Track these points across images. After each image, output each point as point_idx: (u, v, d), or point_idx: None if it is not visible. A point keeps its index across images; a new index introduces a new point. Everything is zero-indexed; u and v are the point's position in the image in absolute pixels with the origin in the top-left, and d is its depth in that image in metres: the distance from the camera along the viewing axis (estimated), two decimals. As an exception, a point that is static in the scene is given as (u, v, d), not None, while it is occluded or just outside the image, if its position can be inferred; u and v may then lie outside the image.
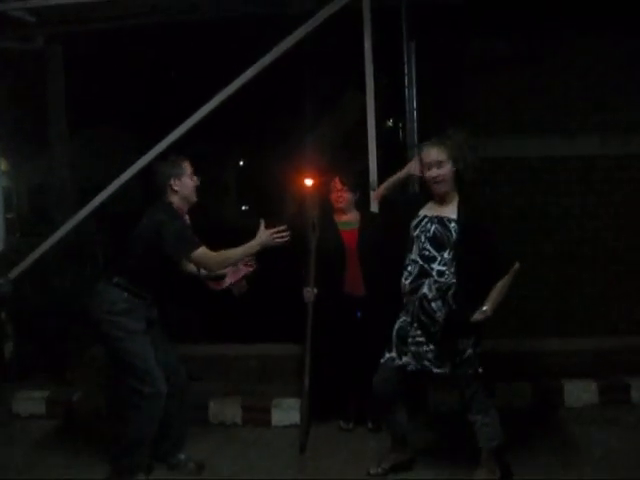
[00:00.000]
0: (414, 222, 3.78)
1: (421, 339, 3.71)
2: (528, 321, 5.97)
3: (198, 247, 3.78)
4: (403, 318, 3.82)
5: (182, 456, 4.17)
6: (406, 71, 5.48)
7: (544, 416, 4.79)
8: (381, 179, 4.96)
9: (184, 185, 3.96)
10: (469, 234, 3.63)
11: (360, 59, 5.11)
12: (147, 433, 3.87)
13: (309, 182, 4.73)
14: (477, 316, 3.63)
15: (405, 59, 5.47)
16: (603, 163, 5.99)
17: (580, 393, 4.93)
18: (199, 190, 4.07)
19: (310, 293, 4.54)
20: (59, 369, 5.59)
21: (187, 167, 4.00)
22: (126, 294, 3.84)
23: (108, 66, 6.41)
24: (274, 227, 3.83)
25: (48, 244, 5.42)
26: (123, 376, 3.86)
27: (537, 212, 6.05)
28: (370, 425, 4.69)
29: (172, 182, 3.93)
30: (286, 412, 4.85)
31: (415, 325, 3.73)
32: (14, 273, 5.43)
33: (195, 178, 4.02)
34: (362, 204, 4.83)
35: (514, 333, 5.72)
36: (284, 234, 3.83)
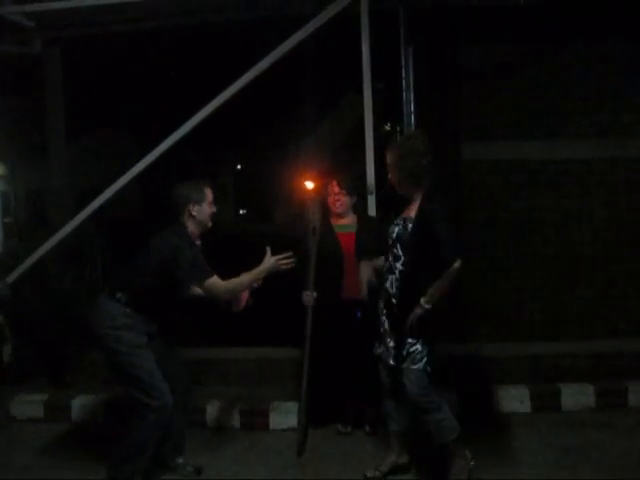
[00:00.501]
0: (389, 229, 3.94)
1: (386, 327, 3.85)
2: (526, 324, 5.96)
3: (211, 276, 3.82)
4: (379, 303, 3.95)
5: (181, 459, 4.19)
6: (404, 75, 5.49)
7: (541, 419, 4.79)
8: (378, 182, 4.99)
9: (202, 211, 3.99)
10: (420, 232, 3.72)
11: (359, 63, 5.12)
12: (149, 443, 3.87)
13: (309, 185, 4.73)
14: (416, 310, 3.66)
15: (403, 63, 5.49)
16: (600, 165, 5.99)
17: (577, 396, 4.94)
18: (214, 217, 4.08)
19: (310, 297, 4.54)
20: (58, 373, 5.59)
21: (208, 194, 4.02)
22: (128, 310, 3.84)
23: (107, 70, 6.41)
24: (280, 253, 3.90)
25: (46, 248, 5.41)
26: (129, 389, 3.85)
27: (536, 214, 6.05)
28: (367, 429, 4.70)
29: (191, 207, 3.95)
30: (284, 416, 4.86)
31: (384, 312, 3.88)
32: (12, 277, 5.43)
33: (213, 206, 4.04)
34: (359, 207, 4.84)
35: (513, 336, 5.72)
36: (290, 260, 3.90)
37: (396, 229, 3.85)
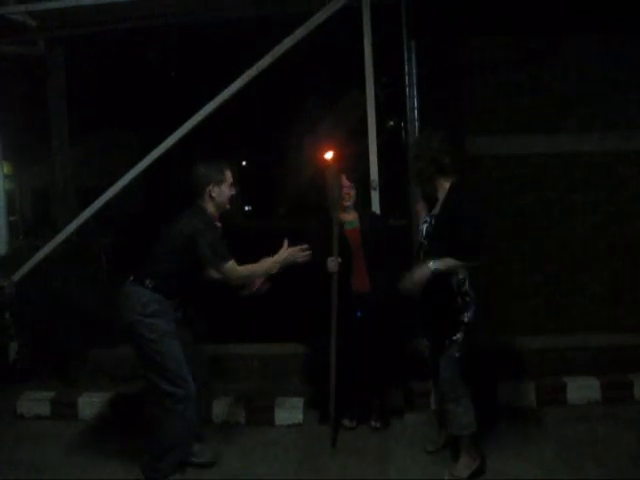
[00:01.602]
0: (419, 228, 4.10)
1: (427, 319, 4.02)
2: (531, 318, 5.96)
3: (228, 260, 3.83)
4: (420, 296, 4.03)
5: (197, 447, 4.21)
6: (406, 70, 5.48)
7: (547, 413, 4.78)
8: (382, 177, 5.00)
9: (221, 193, 3.98)
10: (443, 226, 3.83)
11: (362, 58, 5.13)
12: (181, 436, 3.89)
13: (329, 155, 4.64)
14: (423, 269, 3.73)
15: (405, 58, 5.48)
16: (605, 158, 5.97)
17: (583, 390, 4.93)
18: (233, 200, 4.10)
19: (334, 263, 4.43)
20: (64, 370, 5.61)
21: (228, 176, 4.01)
22: (157, 295, 3.84)
23: (110, 69, 6.43)
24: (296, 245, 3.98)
25: (51, 246, 5.45)
26: (154, 379, 3.85)
27: (540, 208, 6.04)
28: (374, 423, 4.69)
29: (210, 188, 3.94)
30: (289, 411, 4.86)
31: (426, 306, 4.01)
32: (17, 275, 5.46)
33: (233, 188, 4.05)
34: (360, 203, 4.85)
35: (517, 331, 5.71)
36: (306, 253, 3.96)
37: (425, 226, 3.97)
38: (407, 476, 4.03)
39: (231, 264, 3.83)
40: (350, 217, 4.72)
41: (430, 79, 5.63)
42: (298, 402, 4.88)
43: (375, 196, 5.08)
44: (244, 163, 10.73)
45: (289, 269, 4.06)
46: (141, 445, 4.44)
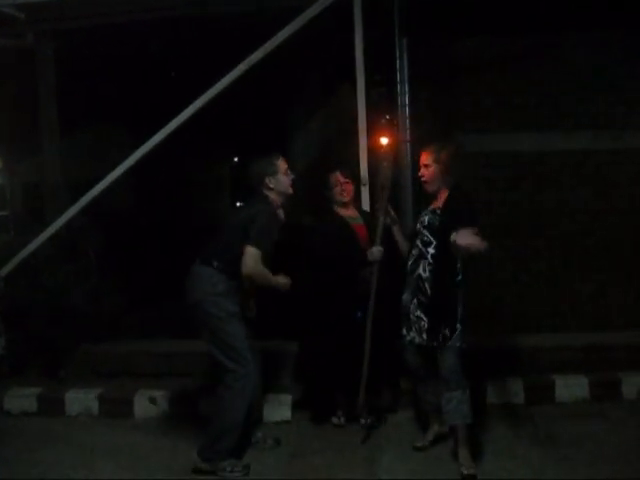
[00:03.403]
0: (418, 219, 4.22)
1: (419, 314, 4.04)
2: (522, 316, 5.97)
3: (260, 248, 3.94)
4: (405, 294, 4.15)
5: (260, 433, 4.43)
6: (398, 67, 5.47)
7: (535, 411, 4.78)
8: (372, 174, 4.98)
9: (279, 182, 4.17)
10: (448, 218, 3.93)
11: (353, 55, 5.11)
12: (238, 416, 3.98)
13: (384, 141, 4.64)
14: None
15: (397, 55, 5.46)
16: (596, 157, 5.98)
17: (571, 388, 4.94)
18: (294, 184, 4.25)
19: (380, 252, 4.39)
20: (52, 366, 5.58)
21: (281, 164, 4.19)
22: (223, 276, 3.99)
23: (100, 63, 6.38)
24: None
25: (39, 241, 5.42)
26: (218, 356, 4.00)
27: (532, 206, 6.04)
28: (363, 421, 4.66)
29: (267, 180, 4.14)
30: (277, 408, 4.85)
31: (415, 302, 4.06)
32: (5, 270, 5.43)
33: (290, 173, 4.21)
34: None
35: (507, 329, 5.72)
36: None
37: (426, 217, 4.09)
38: (396, 473, 4.01)
39: (255, 251, 3.92)
40: (350, 213, 4.73)
41: (422, 76, 5.62)
42: (286, 399, 4.88)
43: (365, 192, 5.06)
44: (236, 159, 10.71)
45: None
46: (130, 441, 4.45)
